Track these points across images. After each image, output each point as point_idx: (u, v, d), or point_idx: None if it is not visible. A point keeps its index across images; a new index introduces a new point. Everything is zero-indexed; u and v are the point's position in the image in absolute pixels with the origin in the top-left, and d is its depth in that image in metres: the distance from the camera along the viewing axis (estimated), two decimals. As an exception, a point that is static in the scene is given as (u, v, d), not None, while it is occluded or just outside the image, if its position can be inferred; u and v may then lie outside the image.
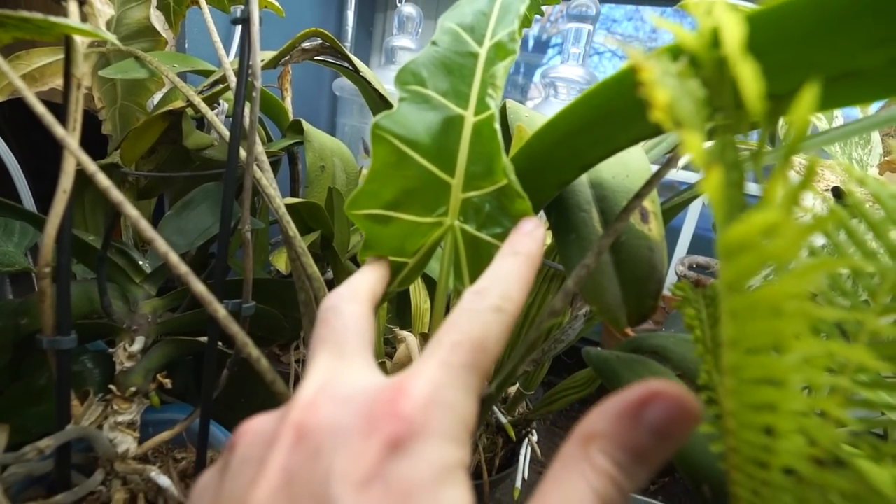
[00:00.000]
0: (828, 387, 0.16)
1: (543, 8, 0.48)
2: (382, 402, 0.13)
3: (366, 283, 0.20)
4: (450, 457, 0.13)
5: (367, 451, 0.12)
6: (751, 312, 0.13)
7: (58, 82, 0.43)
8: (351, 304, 0.18)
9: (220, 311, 0.21)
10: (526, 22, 0.48)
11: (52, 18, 0.24)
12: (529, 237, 0.20)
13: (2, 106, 0.44)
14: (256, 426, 0.15)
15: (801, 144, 0.11)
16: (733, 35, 0.13)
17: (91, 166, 0.22)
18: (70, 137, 0.23)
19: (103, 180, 0.22)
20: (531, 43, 1.14)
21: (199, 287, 0.21)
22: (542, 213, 0.30)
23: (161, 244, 0.21)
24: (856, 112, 0.45)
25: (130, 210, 0.22)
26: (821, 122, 0.44)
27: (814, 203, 0.36)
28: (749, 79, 0.12)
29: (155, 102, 0.52)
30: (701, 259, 0.67)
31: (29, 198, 0.46)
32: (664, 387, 0.13)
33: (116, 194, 0.22)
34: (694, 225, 0.88)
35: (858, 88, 0.16)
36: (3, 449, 0.26)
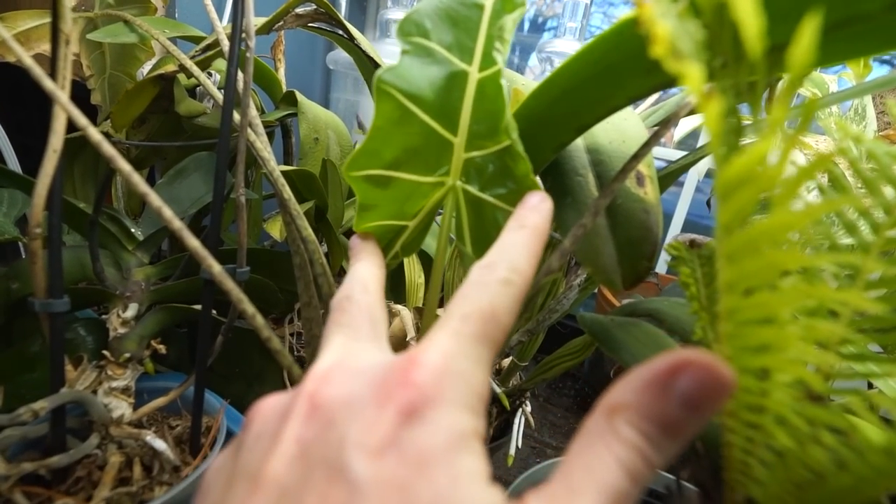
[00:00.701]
0: (821, 332, 0.17)
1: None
2: (396, 372, 0.13)
3: (371, 274, 0.20)
4: (464, 424, 0.13)
5: (381, 419, 0.12)
6: (747, 250, 0.13)
7: (44, 47, 0.42)
8: (363, 294, 0.18)
9: (215, 266, 0.21)
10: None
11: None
12: (536, 211, 0.20)
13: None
14: (269, 403, 0.15)
15: (804, 75, 0.11)
16: (734, -27, 0.13)
17: (82, 119, 0.21)
18: (60, 91, 0.22)
19: (94, 134, 0.21)
20: (527, 25, 1.13)
21: (193, 242, 0.21)
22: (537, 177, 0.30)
23: (154, 199, 0.21)
24: (848, 85, 0.45)
25: (123, 164, 0.21)
26: (817, 95, 0.44)
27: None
28: (748, 14, 0.12)
29: (145, 73, 0.51)
30: (696, 237, 0.67)
31: (16, 166, 0.46)
32: (695, 356, 0.12)
33: (109, 148, 0.21)
34: (686, 211, 0.88)
35: (859, 39, 0.16)
36: (-4, 410, 0.26)
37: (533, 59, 1.13)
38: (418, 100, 0.22)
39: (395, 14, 0.74)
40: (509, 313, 0.16)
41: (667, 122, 0.23)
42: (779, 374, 0.15)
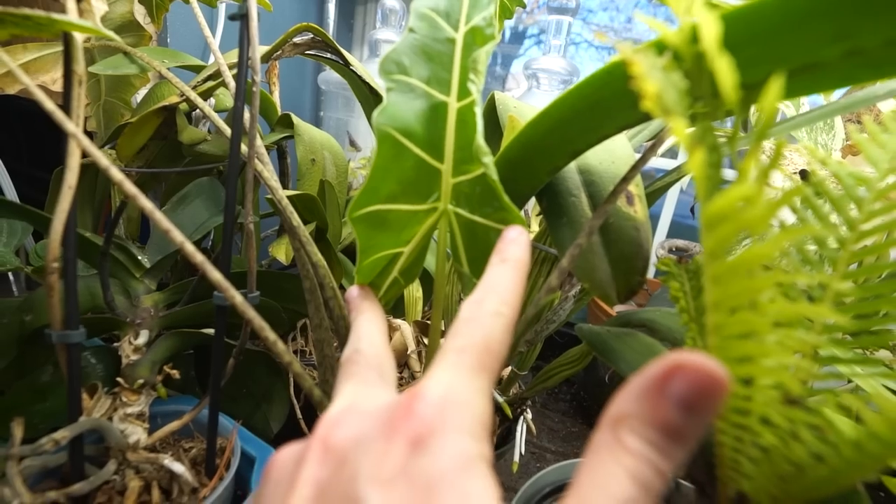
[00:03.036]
0: (797, 343, 0.18)
1: (526, 0, 0.49)
2: (400, 408, 0.14)
3: (375, 327, 0.21)
4: (469, 450, 0.13)
5: (389, 451, 0.13)
6: (730, 275, 0.15)
7: (42, 79, 0.42)
8: (371, 347, 0.19)
9: (237, 297, 0.22)
10: (507, 13, 0.49)
11: (54, 15, 0.25)
12: (515, 243, 0.21)
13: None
14: (285, 453, 0.16)
15: (770, 129, 0.13)
16: (710, 32, 0.15)
17: (103, 160, 0.23)
18: (80, 134, 0.23)
19: (116, 174, 0.23)
20: (508, 34, 1.16)
21: (215, 274, 0.22)
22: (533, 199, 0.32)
23: (177, 235, 0.22)
24: (820, 99, 0.48)
25: (145, 202, 0.22)
26: (789, 108, 0.47)
27: (783, 184, 0.39)
28: (725, 71, 0.14)
29: (139, 98, 0.52)
30: (680, 242, 0.70)
31: (12, 191, 0.46)
32: (685, 358, 0.12)
33: (131, 187, 0.22)
34: (672, 212, 0.91)
35: (818, 79, 0.18)
36: (19, 441, 0.27)
37: (515, 67, 1.16)
38: (409, 133, 0.23)
39: (385, 34, 0.76)
40: (501, 343, 0.17)
41: (653, 147, 0.25)
42: (762, 381, 0.16)
